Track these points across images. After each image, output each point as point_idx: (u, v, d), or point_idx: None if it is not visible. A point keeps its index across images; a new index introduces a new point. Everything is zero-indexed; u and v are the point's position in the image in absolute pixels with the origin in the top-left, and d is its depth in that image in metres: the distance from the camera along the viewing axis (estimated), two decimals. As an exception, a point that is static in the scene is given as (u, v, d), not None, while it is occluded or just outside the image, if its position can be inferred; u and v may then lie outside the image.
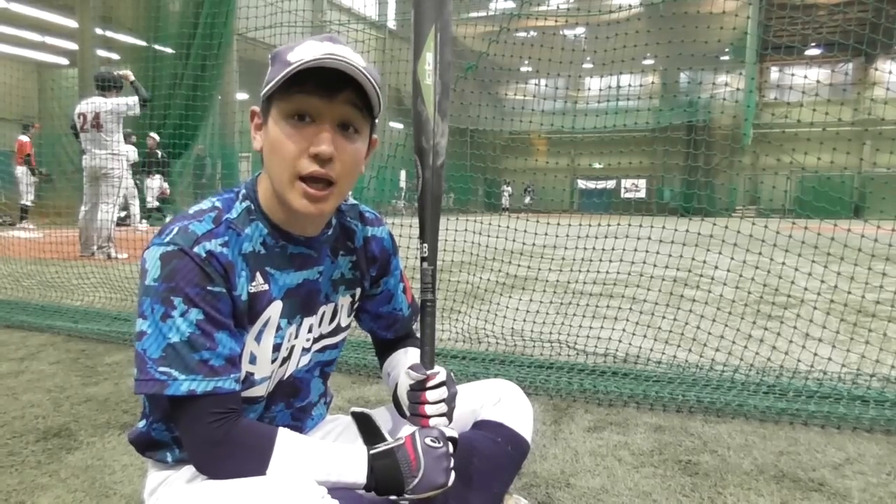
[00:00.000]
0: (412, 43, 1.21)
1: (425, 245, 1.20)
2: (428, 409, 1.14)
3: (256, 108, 1.13)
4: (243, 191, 1.17)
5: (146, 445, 1.24)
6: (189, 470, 1.17)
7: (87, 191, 7.47)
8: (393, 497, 1.09)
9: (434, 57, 1.20)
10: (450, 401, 1.16)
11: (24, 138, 10.99)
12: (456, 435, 1.15)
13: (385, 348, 1.47)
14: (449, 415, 1.16)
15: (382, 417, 1.41)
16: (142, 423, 1.24)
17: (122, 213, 11.65)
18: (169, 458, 1.21)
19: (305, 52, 1.04)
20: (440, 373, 1.16)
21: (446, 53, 1.21)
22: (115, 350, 3.36)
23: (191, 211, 1.12)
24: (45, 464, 1.95)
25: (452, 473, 1.09)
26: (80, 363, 3.10)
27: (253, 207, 1.15)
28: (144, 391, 1.02)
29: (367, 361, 3.05)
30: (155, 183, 11.85)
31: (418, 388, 1.16)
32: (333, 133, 1.06)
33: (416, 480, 1.06)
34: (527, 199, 27.68)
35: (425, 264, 1.20)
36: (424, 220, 1.22)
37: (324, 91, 1.03)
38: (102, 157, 7.24)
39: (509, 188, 28.74)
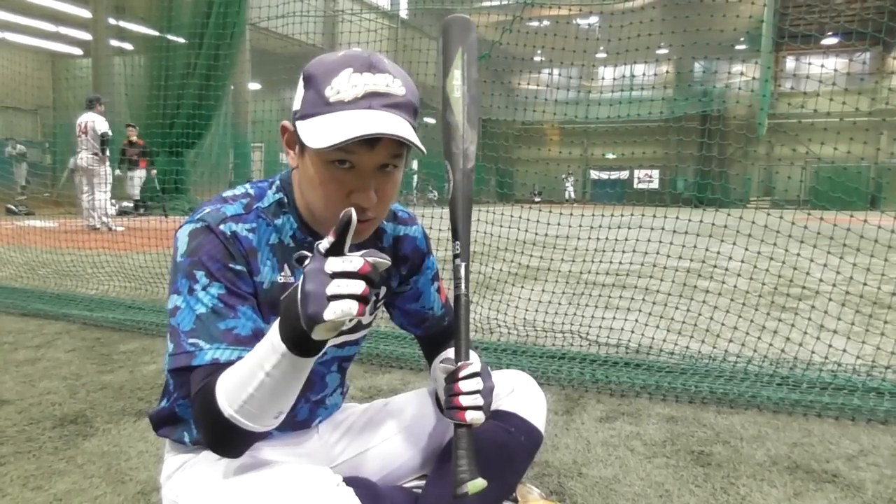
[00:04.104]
0: (440, 62, 1.31)
1: (457, 243, 1.22)
2: (463, 400, 1.08)
3: (288, 125, 1.09)
4: (278, 182, 1.18)
5: (164, 422, 1.24)
6: (206, 456, 1.18)
7: (79, 181, 9.97)
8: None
9: (462, 73, 1.29)
10: (486, 394, 1.11)
11: None
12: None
13: (428, 349, 1.46)
14: (486, 409, 1.10)
15: (410, 402, 1.43)
16: (164, 402, 1.25)
17: (131, 203, 11.77)
18: (186, 439, 1.21)
19: (344, 86, 0.99)
20: (474, 363, 1.12)
21: (472, 71, 1.30)
22: (129, 338, 3.39)
23: (224, 194, 1.14)
24: (62, 450, 1.98)
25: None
26: (95, 351, 3.14)
27: (286, 201, 1.16)
28: (178, 364, 1.02)
29: (380, 351, 3.06)
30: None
31: (451, 379, 1.11)
32: (374, 177, 1.03)
33: (299, 295, 0.85)
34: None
35: (458, 260, 1.20)
36: (456, 219, 1.24)
37: (365, 145, 0.99)
38: (89, 156, 9.59)
39: (573, 178, 28.98)
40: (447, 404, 1.11)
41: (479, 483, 1.04)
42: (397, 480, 1.38)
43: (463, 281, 1.19)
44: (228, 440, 0.99)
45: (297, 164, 1.10)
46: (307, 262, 0.86)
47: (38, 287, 4.81)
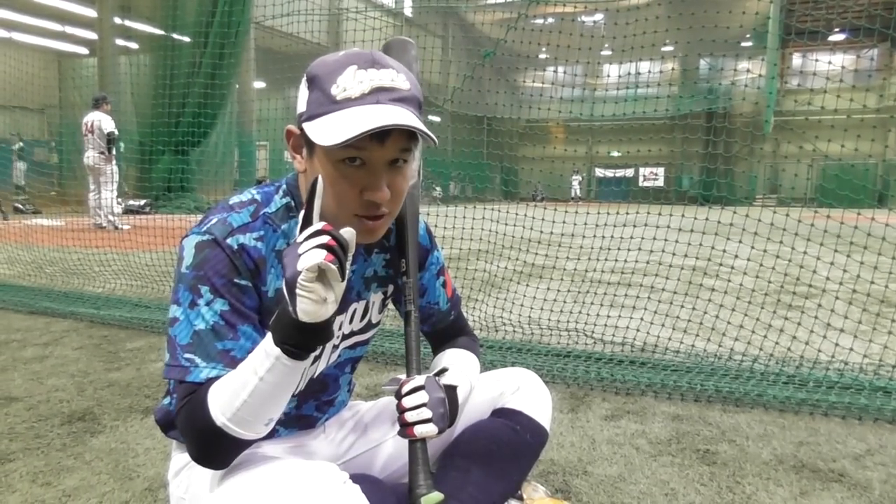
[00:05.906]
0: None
1: (403, 261, 1.26)
2: (408, 417, 1.09)
3: (294, 129, 1.08)
4: (284, 186, 1.17)
5: (173, 424, 1.24)
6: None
7: (88, 179, 10.04)
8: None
9: None
10: (435, 405, 1.11)
11: None
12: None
13: (436, 344, 1.47)
14: (437, 420, 1.10)
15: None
16: (166, 401, 1.25)
17: (142, 202, 11.81)
18: None
19: (350, 83, 0.99)
20: (415, 379, 1.14)
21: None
22: (136, 336, 3.41)
23: (231, 201, 1.13)
24: (71, 446, 1.99)
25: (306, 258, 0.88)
26: (102, 349, 3.15)
27: (293, 205, 1.15)
28: (171, 376, 1.03)
29: (385, 349, 3.06)
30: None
31: (397, 397, 1.13)
32: (386, 173, 1.03)
33: (284, 282, 0.90)
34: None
35: (405, 278, 1.24)
36: (404, 238, 1.26)
37: (376, 139, 0.99)
38: (96, 155, 9.58)
39: (579, 176, 29.67)
40: (399, 422, 1.12)
41: (434, 497, 1.05)
42: (403, 478, 1.38)
43: (411, 298, 1.23)
44: (216, 449, 1.00)
45: (304, 168, 1.09)
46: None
47: (45, 285, 4.84)
